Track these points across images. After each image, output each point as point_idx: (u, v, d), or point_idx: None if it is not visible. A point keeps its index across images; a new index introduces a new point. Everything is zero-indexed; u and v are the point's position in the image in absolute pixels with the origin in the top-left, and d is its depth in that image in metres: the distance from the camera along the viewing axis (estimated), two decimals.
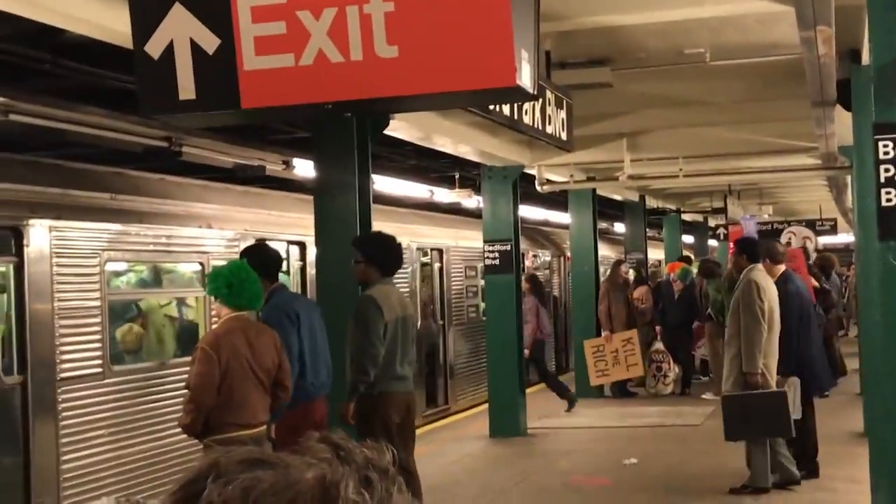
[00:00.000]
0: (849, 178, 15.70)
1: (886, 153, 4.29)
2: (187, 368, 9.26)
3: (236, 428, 6.01)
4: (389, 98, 4.46)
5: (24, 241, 7.74)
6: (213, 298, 6.83)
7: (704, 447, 11.43)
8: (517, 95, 4.92)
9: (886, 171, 4.31)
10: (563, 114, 7.85)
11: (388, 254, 7.51)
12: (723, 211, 21.98)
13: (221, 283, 6.25)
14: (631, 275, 17.68)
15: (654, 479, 9.93)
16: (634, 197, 19.56)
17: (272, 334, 6.41)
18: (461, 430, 13.50)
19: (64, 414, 7.89)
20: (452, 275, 15.38)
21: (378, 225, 9.07)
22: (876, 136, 4.35)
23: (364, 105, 4.72)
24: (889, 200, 4.29)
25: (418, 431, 13.37)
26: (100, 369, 8.28)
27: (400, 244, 7.66)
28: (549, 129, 7.50)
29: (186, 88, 4.50)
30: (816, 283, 13.54)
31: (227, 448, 1.09)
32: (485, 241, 13.01)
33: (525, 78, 4.26)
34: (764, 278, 8.74)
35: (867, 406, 10.28)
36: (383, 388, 7.18)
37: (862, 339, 11.36)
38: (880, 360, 5.56)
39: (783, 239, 21.45)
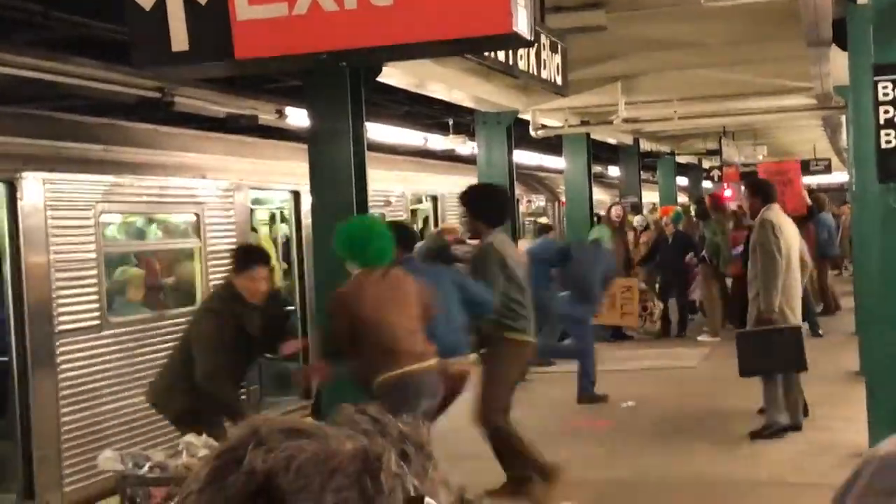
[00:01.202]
0: (843, 119, 15.67)
1: (886, 94, 4.26)
2: (184, 319, 9.34)
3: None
4: (385, 47, 4.42)
5: (18, 195, 7.71)
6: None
7: (701, 389, 11.49)
8: (513, 42, 4.88)
9: (886, 112, 4.29)
10: (557, 58, 7.79)
11: (489, 205, 7.47)
12: (717, 153, 21.94)
13: (342, 244, 6.29)
14: (636, 221, 17.73)
15: (652, 422, 9.99)
16: (629, 140, 19.50)
17: (412, 281, 6.34)
18: None
19: (63, 367, 7.91)
20: (448, 221, 15.35)
21: (372, 172, 9.04)
22: (875, 78, 4.32)
23: (359, 55, 4.68)
24: (889, 142, 4.28)
25: None
26: (97, 321, 8.29)
27: (503, 194, 7.67)
28: (544, 75, 7.46)
29: (179, 40, 4.45)
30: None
31: (266, 416, 1.09)
32: None
33: (521, 24, 4.22)
34: (779, 217, 8.62)
35: (864, 346, 10.33)
36: (509, 334, 7.26)
37: (857, 279, 11.39)
38: (876, 302, 5.56)
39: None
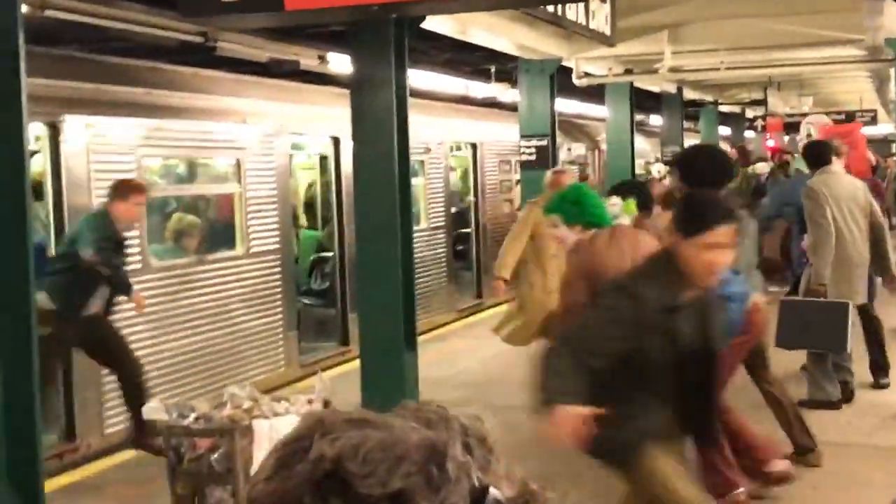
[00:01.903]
0: (892, 71, 15.38)
1: None
2: (224, 264, 9.37)
3: None
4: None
5: (61, 138, 7.70)
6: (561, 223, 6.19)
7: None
8: None
9: None
10: (606, 8, 7.66)
11: (693, 168, 6.83)
12: (761, 102, 21.64)
13: (588, 207, 5.96)
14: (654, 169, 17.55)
15: None
16: (672, 89, 19.25)
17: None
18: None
19: None
20: (486, 170, 15.26)
21: (412, 119, 8.96)
22: None
23: (412, 7, 4.58)
24: None
25: (453, 326, 13.45)
26: (139, 265, 8.30)
27: (716, 154, 6.91)
28: (592, 25, 7.33)
29: None
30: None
31: (332, 409, 1.09)
32: (521, 136, 12.85)
33: None
34: (829, 183, 7.92)
35: None
36: None
37: None
38: None
39: (802, 132, 20.89)
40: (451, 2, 4.82)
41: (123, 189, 7.53)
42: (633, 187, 6.58)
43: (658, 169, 18.07)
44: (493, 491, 1.04)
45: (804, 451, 6.85)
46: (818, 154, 8.27)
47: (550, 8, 6.49)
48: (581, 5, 7.00)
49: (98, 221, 7.43)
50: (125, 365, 7.49)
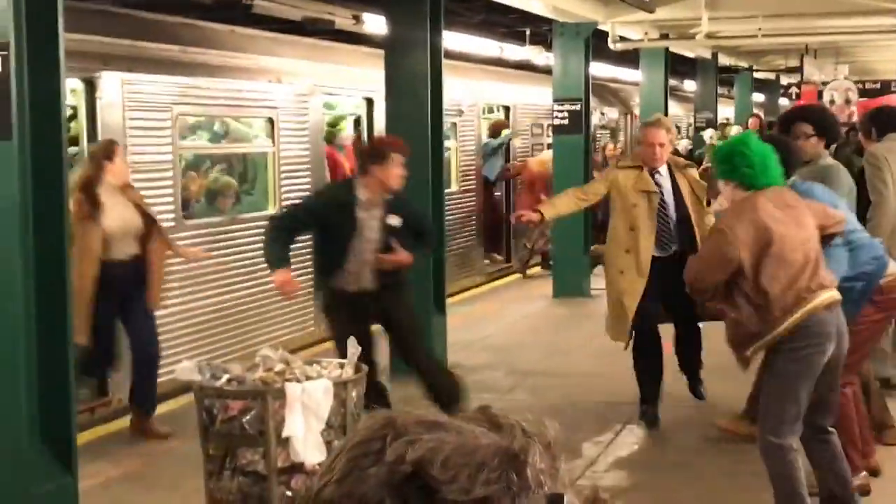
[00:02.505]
0: None
1: None
2: (255, 224, 9.39)
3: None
4: None
5: (98, 94, 7.72)
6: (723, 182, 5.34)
7: None
8: None
9: None
10: None
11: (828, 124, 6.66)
12: (797, 70, 21.39)
13: (741, 162, 5.07)
14: (681, 146, 17.38)
15: (720, 343, 9.89)
16: (707, 55, 19.08)
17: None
18: (525, 289, 13.52)
19: None
20: (519, 132, 15.19)
21: (445, 80, 8.94)
22: None
23: None
24: None
25: (482, 289, 13.41)
26: (173, 223, 8.33)
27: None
28: None
29: None
30: None
31: (403, 410, 1.09)
32: (554, 101, 12.77)
33: None
34: (893, 150, 7.37)
35: None
36: None
37: None
38: None
39: (825, 98, 20.44)
40: None
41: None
42: (777, 142, 5.63)
43: (710, 135, 17.88)
44: (567, 498, 1.04)
45: (882, 428, 6.76)
46: (887, 120, 7.69)
47: None
48: None
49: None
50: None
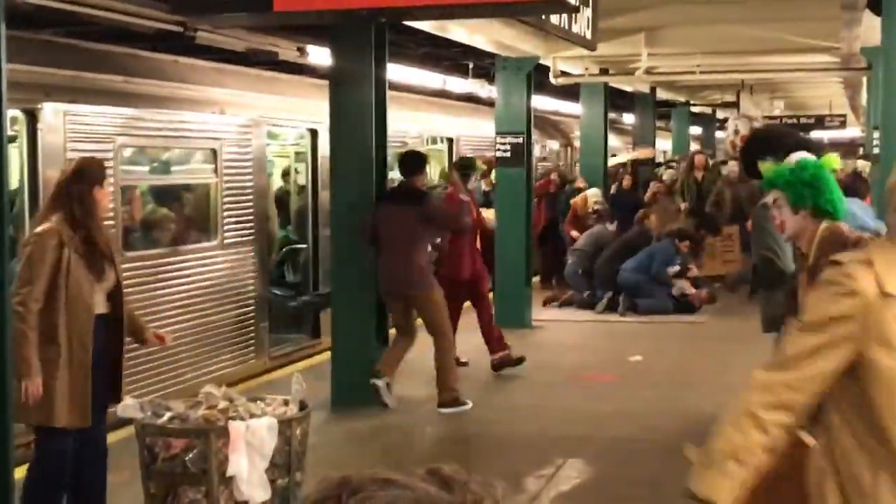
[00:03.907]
0: (864, 78, 15.56)
1: None
2: (197, 255, 9.34)
3: None
4: (431, 7, 4.32)
5: (39, 125, 7.64)
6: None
7: (708, 345, 11.51)
8: (560, 8, 4.79)
9: None
10: (588, 12, 7.68)
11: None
12: (733, 105, 21.78)
13: (822, 189, 4.53)
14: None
15: (661, 376, 10.02)
16: (645, 89, 19.37)
17: None
18: (465, 319, 13.51)
19: None
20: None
21: (389, 112, 8.98)
22: None
23: (403, 13, 4.59)
24: None
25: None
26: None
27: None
28: (574, 29, 7.36)
29: None
30: None
31: (357, 471, 1.10)
32: (497, 133, 12.87)
33: None
34: None
35: None
36: None
37: None
38: None
39: (730, 128, 20.67)
40: (444, 10, 4.83)
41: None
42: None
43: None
44: None
45: None
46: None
47: None
48: None
49: None
50: None
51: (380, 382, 8.69)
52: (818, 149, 5.88)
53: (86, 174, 5.49)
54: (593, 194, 15.53)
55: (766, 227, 5.85)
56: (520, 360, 10.23)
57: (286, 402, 5.18)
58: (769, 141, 5.92)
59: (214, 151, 9.52)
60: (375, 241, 8.78)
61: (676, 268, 13.85)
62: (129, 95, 8.61)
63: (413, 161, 9.14)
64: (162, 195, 9.52)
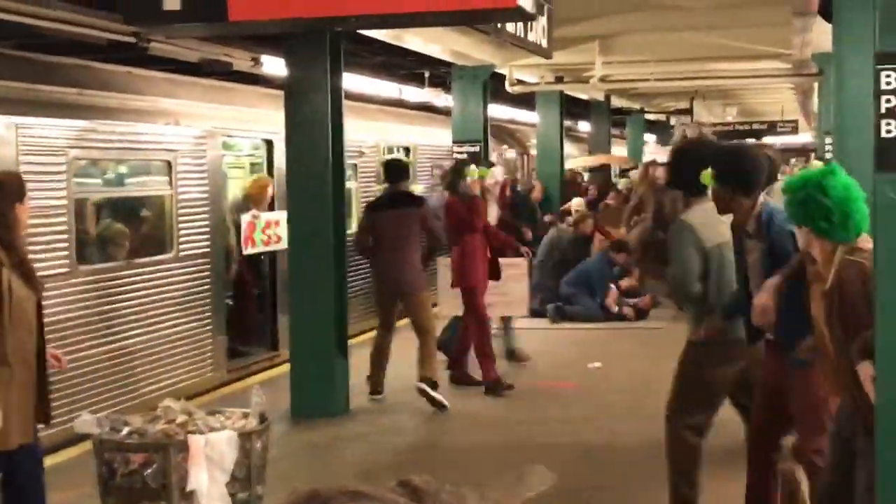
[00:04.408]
0: (815, 84, 15.75)
1: (889, 83, 4.21)
2: (153, 268, 9.24)
3: None
4: (389, 15, 4.30)
5: None
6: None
7: (666, 350, 11.49)
8: (517, 16, 4.79)
9: (888, 101, 4.24)
10: (543, 21, 7.70)
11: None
12: (686, 111, 21.99)
13: (817, 212, 4.33)
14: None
15: (621, 383, 10.04)
16: (600, 97, 19.48)
17: None
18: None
19: None
20: (419, 172, 15.25)
21: (345, 122, 8.96)
22: (878, 66, 4.26)
23: (361, 21, 4.57)
24: (889, 132, 4.23)
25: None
26: (67, 269, 8.15)
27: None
28: (530, 37, 7.37)
29: None
30: None
31: (326, 484, 1.10)
32: (454, 142, 12.89)
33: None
34: None
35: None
36: None
37: None
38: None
39: (677, 134, 20.88)
40: (402, 18, 4.81)
41: None
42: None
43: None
44: None
45: None
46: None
47: None
48: None
49: None
50: None
51: (422, 385, 9.14)
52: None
53: (5, 190, 5.17)
54: (577, 203, 15.78)
55: (676, 243, 5.71)
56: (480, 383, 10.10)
57: (246, 415, 5.14)
58: (698, 152, 5.92)
59: (169, 163, 9.43)
60: (365, 247, 9.46)
61: (613, 289, 13.88)
62: (83, 107, 8.50)
63: (398, 169, 9.80)
64: (116, 208, 9.40)
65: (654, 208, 10.65)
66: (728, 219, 5.63)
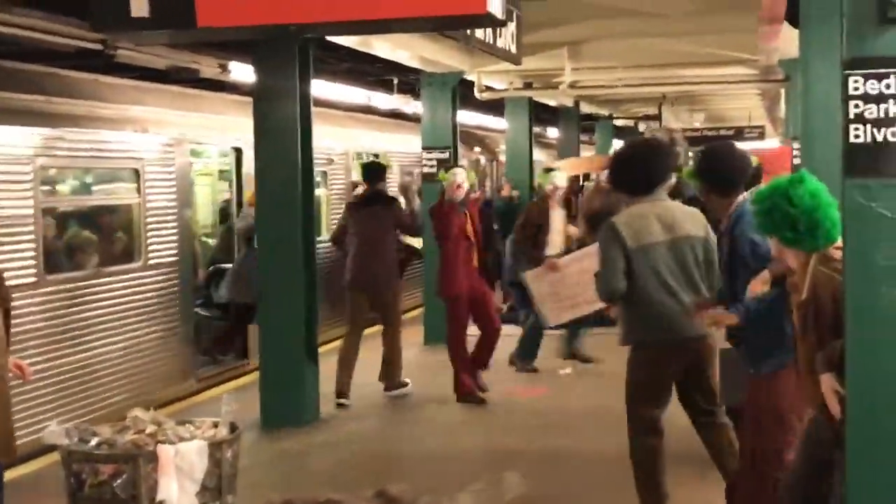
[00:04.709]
0: (783, 90, 15.85)
1: (856, 89, 4.25)
2: (120, 277, 9.16)
3: None
4: (358, 21, 4.28)
5: None
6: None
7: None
8: (487, 22, 4.79)
9: (856, 106, 4.27)
10: (512, 27, 7.69)
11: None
12: (654, 117, 22.07)
13: (783, 222, 4.32)
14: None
15: (590, 388, 10.05)
16: (569, 103, 19.52)
17: None
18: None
19: None
20: (388, 179, 15.23)
21: (314, 129, 8.93)
22: (846, 72, 4.30)
23: (331, 28, 4.55)
24: (857, 137, 4.27)
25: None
26: (34, 279, 8.08)
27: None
28: (499, 44, 7.36)
29: (138, 5, 4.28)
30: None
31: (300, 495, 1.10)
32: (423, 148, 12.87)
33: (494, 5, 4.13)
34: None
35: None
36: None
37: None
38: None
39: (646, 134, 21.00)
40: (372, 24, 4.80)
41: None
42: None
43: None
44: None
45: None
46: None
47: None
48: None
49: None
50: None
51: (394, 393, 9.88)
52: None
53: None
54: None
55: (601, 242, 5.83)
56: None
57: (216, 425, 5.10)
58: (636, 156, 6.00)
59: (137, 171, 9.37)
60: (342, 243, 9.95)
61: None
62: (50, 115, 8.44)
63: (377, 170, 10.22)
64: (84, 216, 9.33)
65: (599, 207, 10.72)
66: (695, 218, 5.75)
